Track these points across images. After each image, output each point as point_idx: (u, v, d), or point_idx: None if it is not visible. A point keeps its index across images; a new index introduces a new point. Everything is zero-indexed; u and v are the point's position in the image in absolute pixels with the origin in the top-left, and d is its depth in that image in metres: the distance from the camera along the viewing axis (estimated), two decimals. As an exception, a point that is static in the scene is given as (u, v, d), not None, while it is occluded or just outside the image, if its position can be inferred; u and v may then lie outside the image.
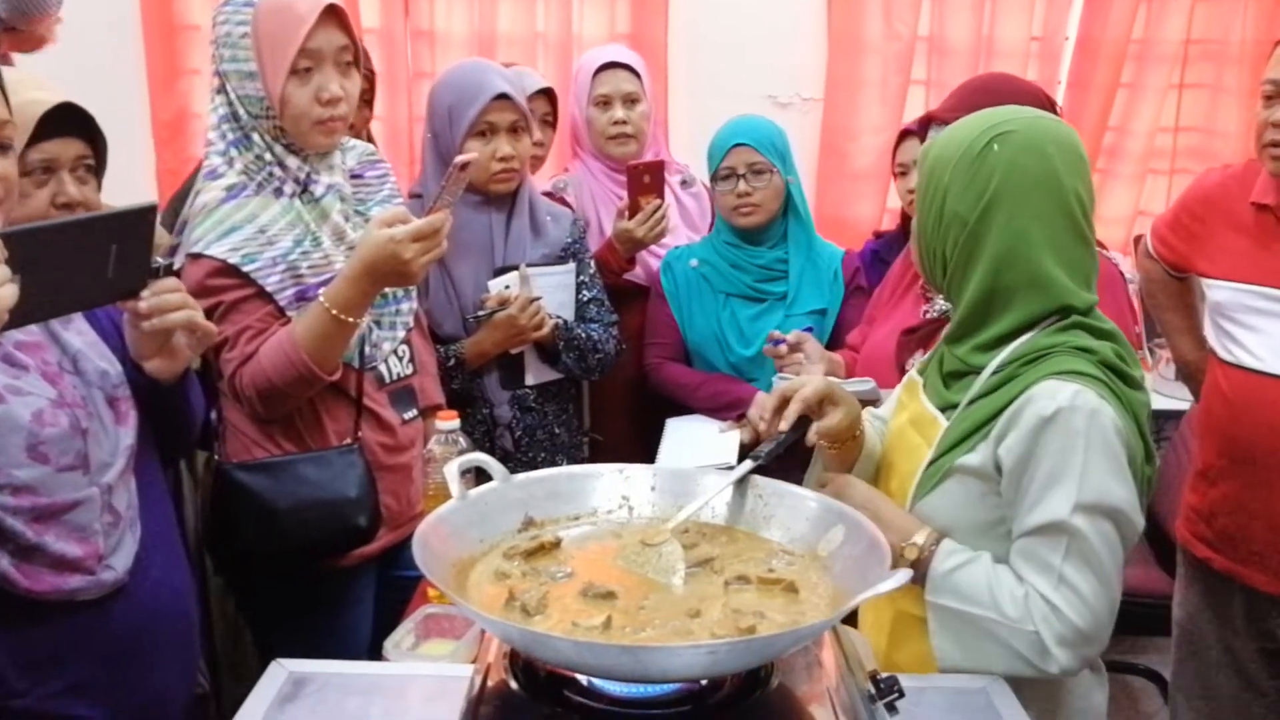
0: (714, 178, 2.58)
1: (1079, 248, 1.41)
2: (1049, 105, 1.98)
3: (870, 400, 2.02)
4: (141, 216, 1.40)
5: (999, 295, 1.41)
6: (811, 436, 1.46)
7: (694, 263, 2.66)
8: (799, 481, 1.53)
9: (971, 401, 1.42)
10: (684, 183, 2.91)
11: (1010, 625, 1.33)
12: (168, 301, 1.47)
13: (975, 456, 1.39)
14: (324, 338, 1.80)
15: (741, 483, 1.48)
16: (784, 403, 1.47)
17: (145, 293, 1.45)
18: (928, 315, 2.13)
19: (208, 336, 1.58)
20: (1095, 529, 1.32)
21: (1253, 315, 2.07)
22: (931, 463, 1.43)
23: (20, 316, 1.23)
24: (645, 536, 1.38)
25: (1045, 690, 1.44)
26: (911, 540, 1.39)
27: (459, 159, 1.77)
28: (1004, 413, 1.37)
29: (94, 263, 1.35)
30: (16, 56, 2.45)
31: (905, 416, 1.56)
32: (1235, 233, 2.12)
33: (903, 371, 2.12)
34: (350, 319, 1.80)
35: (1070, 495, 1.31)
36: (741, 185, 2.52)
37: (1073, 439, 1.31)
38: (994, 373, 1.41)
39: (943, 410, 1.47)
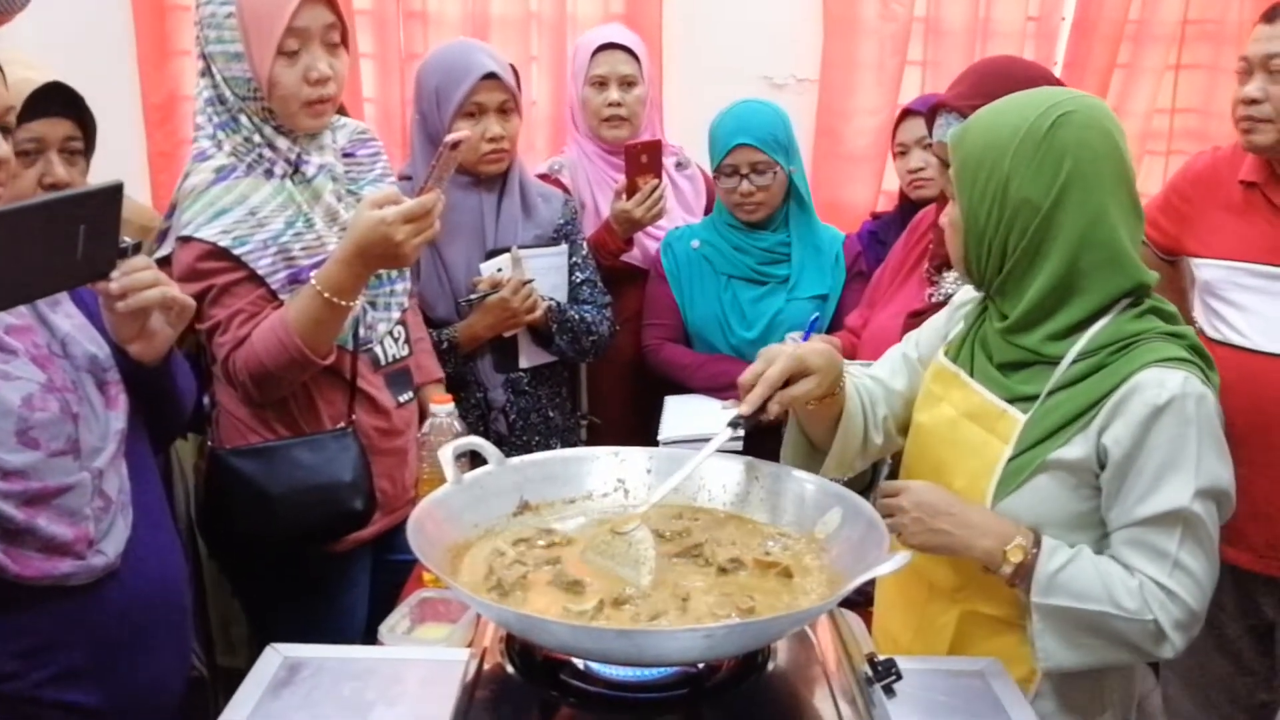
0: (716, 171, 2.56)
1: (1138, 222, 1.42)
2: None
3: None
4: (109, 196, 1.37)
5: (1077, 278, 1.38)
6: (773, 408, 1.42)
7: (695, 244, 2.65)
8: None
9: (1052, 393, 1.39)
10: (679, 165, 2.89)
11: (1128, 617, 1.33)
12: (139, 280, 1.45)
13: (1073, 449, 1.37)
14: (316, 321, 1.78)
15: (736, 465, 1.47)
16: (753, 384, 1.43)
17: (115, 273, 1.43)
18: (933, 299, 2.12)
19: (185, 311, 1.55)
20: (1207, 512, 1.34)
21: (1240, 292, 2.08)
22: (1014, 458, 1.40)
23: None
24: (615, 524, 1.35)
25: (1125, 676, 1.48)
26: (1014, 542, 1.35)
27: (449, 138, 1.74)
28: (1103, 403, 1.35)
29: (63, 244, 1.32)
30: (6, 32, 2.42)
31: (949, 410, 1.51)
32: (1224, 211, 2.14)
33: None
34: (342, 302, 1.78)
35: (1189, 482, 1.32)
36: (744, 185, 2.51)
37: (1185, 427, 1.31)
38: (1074, 361, 1.39)
39: (1012, 403, 1.43)
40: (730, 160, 2.51)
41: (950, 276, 2.11)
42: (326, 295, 1.76)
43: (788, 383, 1.42)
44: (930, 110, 2.06)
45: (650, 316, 2.70)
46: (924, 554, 1.39)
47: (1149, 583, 1.33)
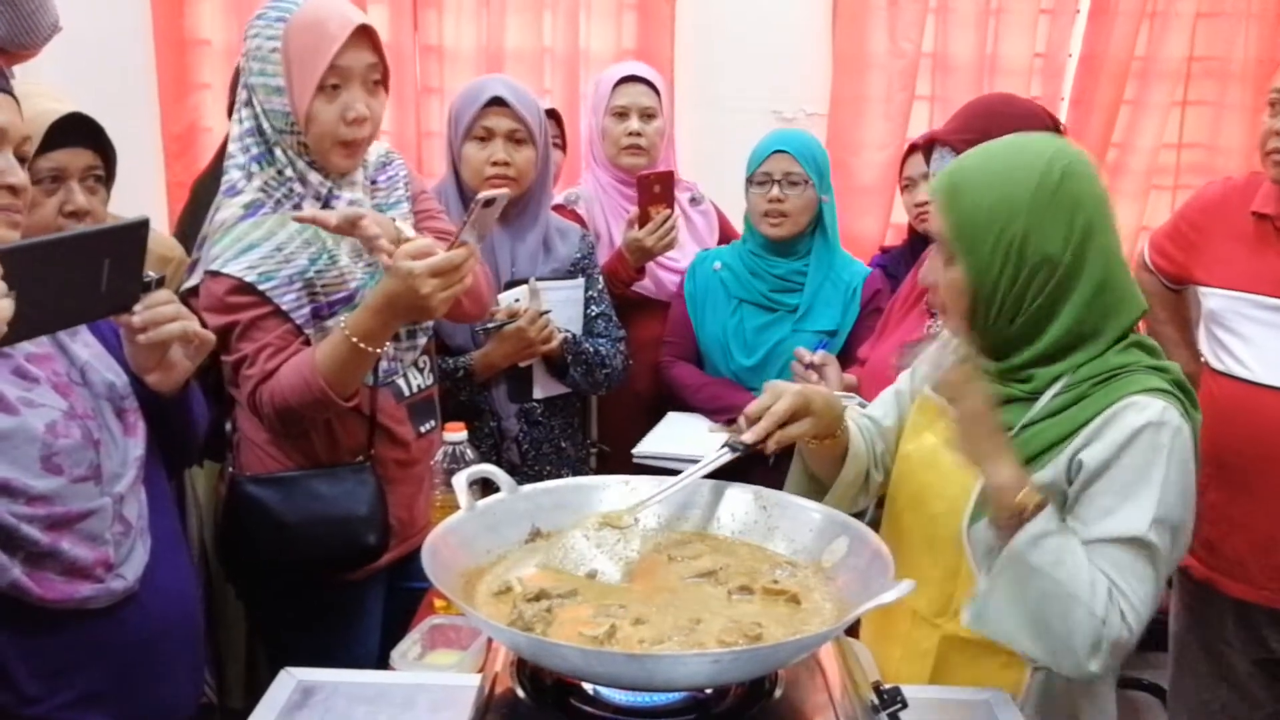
0: (749, 181, 2.59)
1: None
2: (1053, 123, 1.99)
3: None
4: (134, 231, 1.41)
5: (1096, 322, 1.40)
6: (771, 445, 1.44)
7: (717, 265, 2.68)
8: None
9: (1030, 424, 1.41)
10: (693, 200, 2.93)
11: (1088, 606, 1.28)
12: (161, 314, 1.49)
13: (1048, 472, 1.38)
14: (343, 366, 1.79)
15: (745, 494, 1.49)
16: (758, 417, 1.44)
17: (138, 306, 1.47)
18: (931, 330, 2.14)
19: (205, 345, 1.58)
20: (1162, 543, 1.32)
21: (1245, 323, 2.09)
22: None
23: (15, 332, 1.25)
24: (610, 518, 1.38)
25: (1068, 702, 1.46)
26: (1029, 489, 1.31)
27: (480, 195, 1.74)
28: (1082, 430, 1.36)
29: (87, 278, 1.36)
30: (31, 66, 2.47)
31: (931, 438, 1.52)
32: (1234, 242, 2.15)
33: None
34: (369, 348, 1.79)
35: (1149, 510, 1.31)
36: (775, 191, 2.53)
37: (1156, 453, 1.32)
38: (1056, 395, 1.41)
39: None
40: (765, 168, 2.54)
41: None
42: (354, 340, 1.77)
43: (789, 420, 1.44)
44: (925, 144, 2.08)
45: (667, 334, 2.75)
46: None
47: (1106, 583, 1.31)
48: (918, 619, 1.53)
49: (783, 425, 1.44)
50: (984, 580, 1.37)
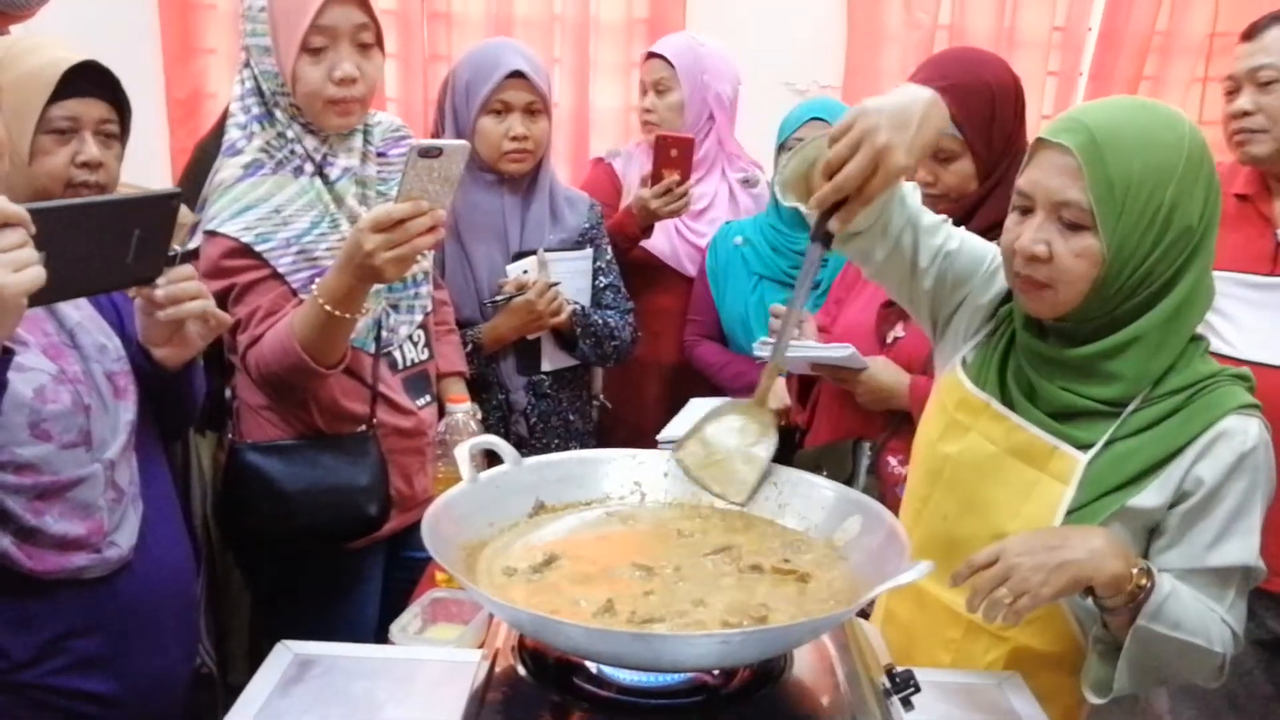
0: (780, 147, 2.53)
1: None
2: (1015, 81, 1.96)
3: (856, 369, 2.00)
4: (165, 202, 1.40)
5: (1196, 305, 1.34)
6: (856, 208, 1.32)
7: (739, 240, 2.63)
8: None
9: (1118, 439, 1.34)
10: (745, 181, 2.85)
11: (1209, 650, 1.31)
12: (183, 290, 1.46)
13: (1150, 496, 1.33)
14: (316, 330, 1.73)
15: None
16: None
17: (161, 280, 1.44)
18: None
19: (220, 326, 1.56)
20: (1259, 563, 1.36)
21: (1229, 302, 2.08)
22: (1084, 505, 1.34)
23: (39, 297, 1.21)
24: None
25: (1128, 702, 1.46)
26: (1140, 565, 1.27)
27: (414, 143, 1.60)
28: (1189, 448, 1.32)
29: (116, 246, 1.34)
30: (34, 28, 2.43)
31: (985, 444, 1.42)
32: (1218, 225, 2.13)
33: (883, 343, 2.09)
34: (337, 312, 1.71)
35: (1252, 538, 1.33)
36: None
37: (1256, 476, 1.32)
38: (1138, 409, 1.34)
39: (1079, 448, 1.35)
40: (799, 134, 2.47)
41: None
42: (321, 303, 1.71)
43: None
44: None
45: (691, 313, 2.72)
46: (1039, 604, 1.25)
47: (1217, 617, 1.33)
48: (974, 629, 1.43)
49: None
50: (1095, 660, 1.34)
